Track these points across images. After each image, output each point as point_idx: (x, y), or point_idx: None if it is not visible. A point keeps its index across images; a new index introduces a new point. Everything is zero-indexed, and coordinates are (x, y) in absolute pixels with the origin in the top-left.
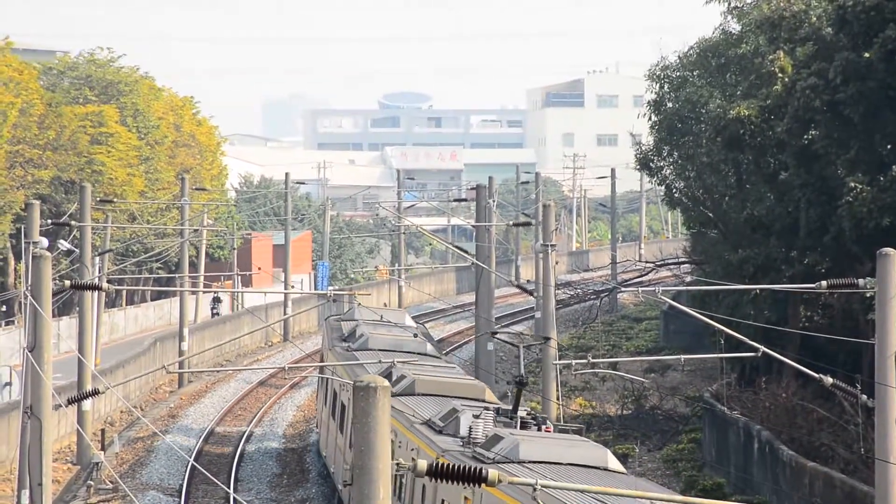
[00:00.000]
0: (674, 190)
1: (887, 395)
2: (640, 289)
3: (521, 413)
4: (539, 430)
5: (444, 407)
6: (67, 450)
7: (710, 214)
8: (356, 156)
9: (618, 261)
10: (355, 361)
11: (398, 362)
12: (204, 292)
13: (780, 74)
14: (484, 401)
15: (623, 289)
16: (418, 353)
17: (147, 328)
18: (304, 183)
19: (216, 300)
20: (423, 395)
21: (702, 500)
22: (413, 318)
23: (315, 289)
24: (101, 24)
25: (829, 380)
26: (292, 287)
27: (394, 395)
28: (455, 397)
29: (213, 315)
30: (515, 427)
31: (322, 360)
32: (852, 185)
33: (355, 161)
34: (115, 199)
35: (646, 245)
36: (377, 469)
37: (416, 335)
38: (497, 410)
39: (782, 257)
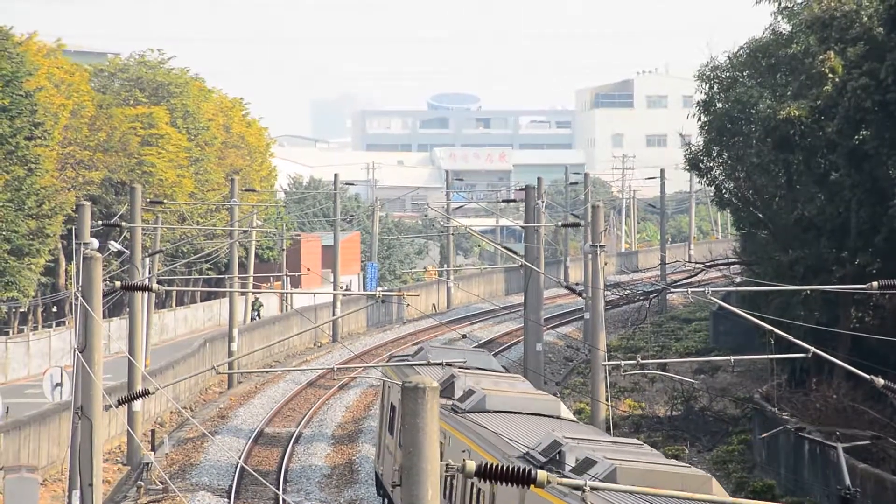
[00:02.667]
0: (723, 190)
1: None
2: (689, 290)
3: None
4: None
5: None
6: (118, 450)
7: (760, 215)
8: (405, 157)
9: (667, 262)
10: (483, 429)
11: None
12: (254, 293)
13: (830, 75)
14: None
15: (672, 289)
16: (555, 417)
17: (196, 329)
18: (353, 184)
19: (256, 303)
20: None
21: (752, 503)
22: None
23: (364, 289)
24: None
25: (880, 381)
26: (342, 288)
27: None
28: None
29: (252, 318)
30: None
31: (386, 403)
32: None
33: (404, 162)
34: (165, 201)
35: (695, 246)
36: (426, 470)
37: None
38: None
39: (833, 258)
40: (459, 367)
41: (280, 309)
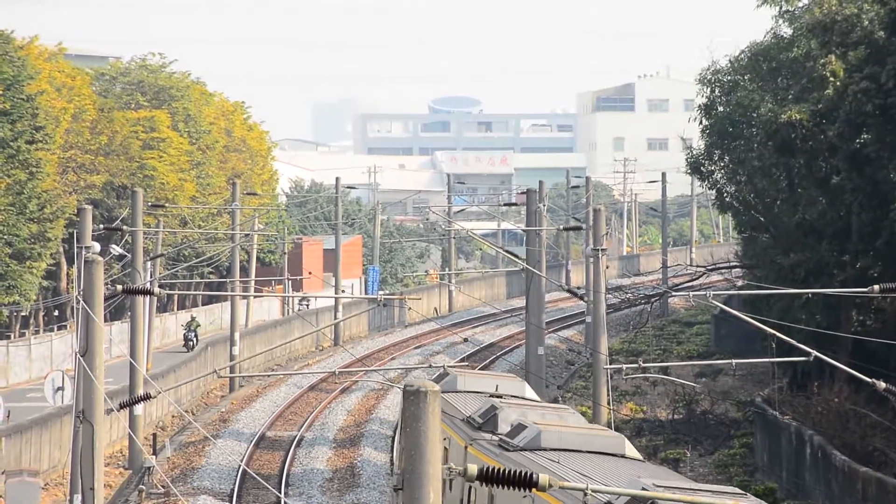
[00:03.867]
0: (725, 194)
1: None
2: (690, 293)
3: None
4: None
5: None
6: (119, 454)
7: (762, 218)
8: (406, 160)
9: (669, 265)
10: (546, 472)
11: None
12: (255, 297)
13: (831, 78)
14: None
15: (674, 293)
16: (620, 456)
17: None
18: (354, 187)
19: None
20: None
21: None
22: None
23: (365, 293)
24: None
25: (881, 384)
26: (343, 291)
27: None
28: None
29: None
30: None
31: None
32: None
33: (405, 165)
34: (166, 204)
35: (697, 249)
36: (427, 473)
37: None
38: None
39: (834, 261)
40: (492, 395)
41: (282, 312)
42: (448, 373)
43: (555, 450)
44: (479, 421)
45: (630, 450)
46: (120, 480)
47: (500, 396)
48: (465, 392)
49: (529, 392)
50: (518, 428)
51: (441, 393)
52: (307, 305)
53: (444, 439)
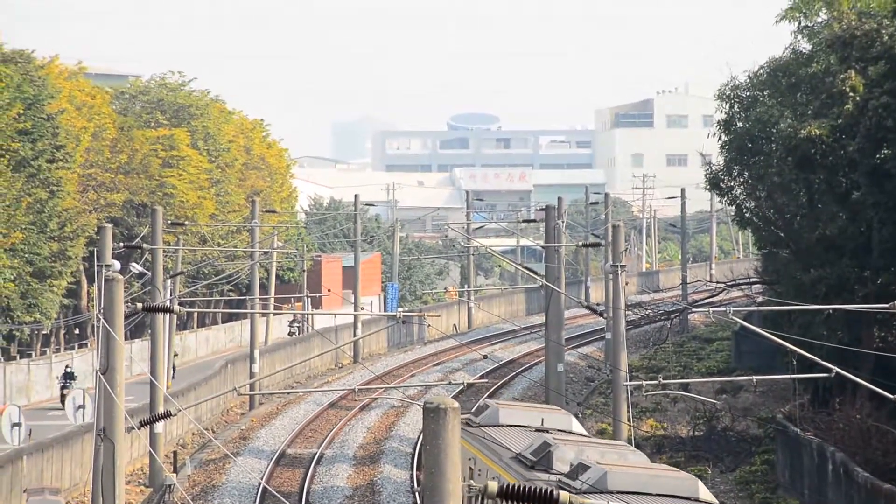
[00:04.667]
0: (744, 210)
1: None
2: (710, 309)
3: None
4: None
5: None
6: (140, 472)
7: (782, 234)
8: (425, 177)
9: (688, 281)
10: None
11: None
12: (275, 314)
13: (851, 93)
14: None
15: (694, 309)
16: (694, 500)
17: (218, 350)
18: (373, 205)
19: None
20: None
21: None
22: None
23: (384, 310)
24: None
25: None
26: (362, 309)
27: None
28: None
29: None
30: None
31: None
32: None
33: (424, 182)
34: (186, 222)
35: (716, 265)
36: (448, 490)
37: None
38: None
39: (855, 277)
40: (538, 429)
41: (301, 330)
42: (488, 405)
43: (623, 493)
44: (532, 459)
45: (704, 492)
46: (141, 498)
47: (546, 430)
48: (508, 426)
49: (576, 425)
50: (579, 468)
51: (482, 427)
52: (298, 328)
53: (493, 479)
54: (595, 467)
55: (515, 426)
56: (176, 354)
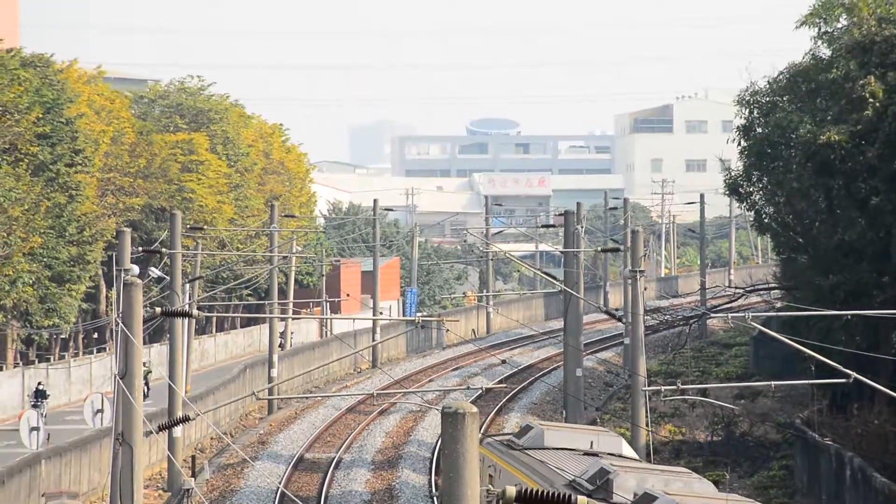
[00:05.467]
0: (763, 215)
1: None
2: (729, 314)
3: None
4: None
5: None
6: (158, 476)
7: (801, 240)
8: (444, 182)
9: (707, 286)
10: None
11: None
12: (294, 319)
13: (871, 99)
14: None
15: (712, 314)
16: None
17: (237, 355)
18: (392, 209)
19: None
20: None
21: None
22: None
23: (403, 315)
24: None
25: None
26: (381, 313)
27: None
28: None
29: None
30: None
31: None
32: None
33: (443, 187)
34: (205, 227)
35: (735, 270)
36: (466, 496)
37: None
38: None
39: (874, 282)
40: (587, 453)
41: (320, 334)
42: (531, 426)
43: None
44: (589, 486)
45: None
46: (159, 503)
47: (597, 454)
48: (554, 449)
49: (627, 449)
50: (645, 499)
51: (527, 450)
52: (291, 338)
53: None
54: (664, 498)
55: (563, 449)
56: (149, 371)
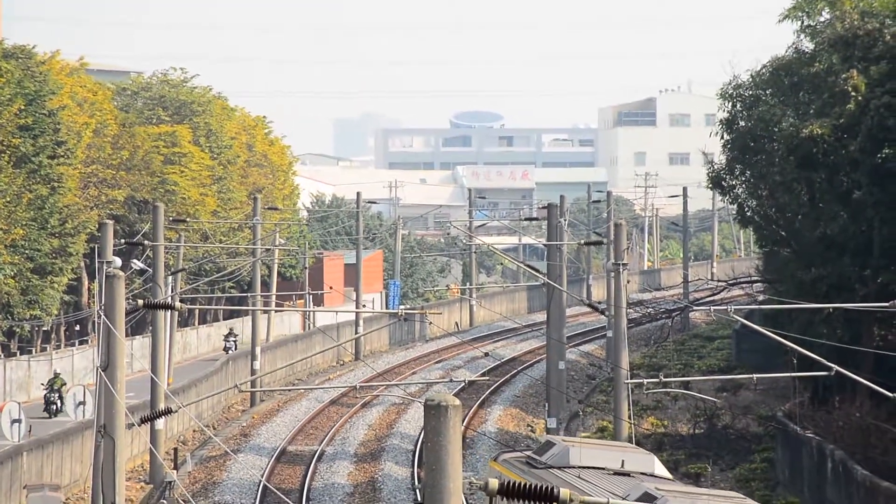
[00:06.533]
0: (746, 208)
1: None
2: (712, 308)
3: None
4: None
5: None
6: (140, 469)
7: (783, 233)
8: (427, 175)
9: (690, 279)
10: None
11: None
12: (276, 311)
13: (853, 93)
14: None
15: (695, 307)
16: None
17: (219, 347)
18: (375, 202)
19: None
20: None
21: None
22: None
23: (386, 308)
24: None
25: None
26: (364, 306)
27: None
28: None
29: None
30: None
31: None
32: None
33: (426, 180)
34: (187, 219)
35: (718, 264)
36: (449, 488)
37: None
38: None
39: (856, 276)
40: (617, 472)
41: (303, 327)
42: (553, 443)
43: None
44: None
45: None
46: (141, 495)
47: (628, 474)
48: (582, 468)
49: (659, 467)
50: None
51: (551, 469)
52: (234, 343)
53: None
54: None
55: (591, 468)
56: (64, 384)
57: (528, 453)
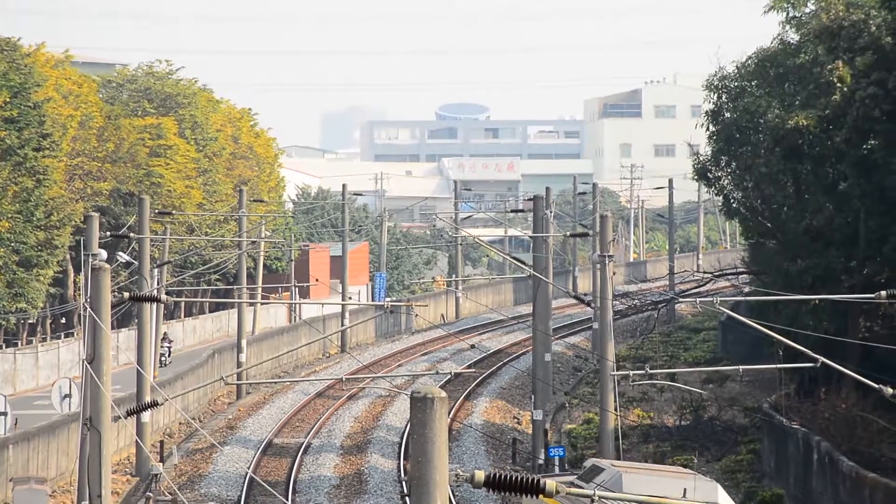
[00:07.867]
0: (732, 200)
1: None
2: (697, 299)
3: None
4: None
5: None
6: (126, 461)
7: (769, 225)
8: (413, 167)
9: (675, 271)
10: None
11: None
12: (262, 304)
13: (839, 84)
14: None
15: (681, 299)
16: None
17: (205, 340)
18: (361, 194)
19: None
20: None
21: None
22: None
23: (372, 300)
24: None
25: (889, 390)
26: (350, 298)
27: None
28: None
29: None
30: None
31: None
32: None
33: (412, 172)
34: (173, 212)
35: (704, 255)
36: (435, 480)
37: None
38: None
39: (841, 267)
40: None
41: (289, 320)
42: (602, 468)
43: None
44: None
45: None
46: (127, 488)
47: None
48: (637, 497)
49: (724, 497)
50: None
51: (603, 499)
52: (169, 348)
53: None
54: None
55: (651, 498)
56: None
57: (572, 478)
